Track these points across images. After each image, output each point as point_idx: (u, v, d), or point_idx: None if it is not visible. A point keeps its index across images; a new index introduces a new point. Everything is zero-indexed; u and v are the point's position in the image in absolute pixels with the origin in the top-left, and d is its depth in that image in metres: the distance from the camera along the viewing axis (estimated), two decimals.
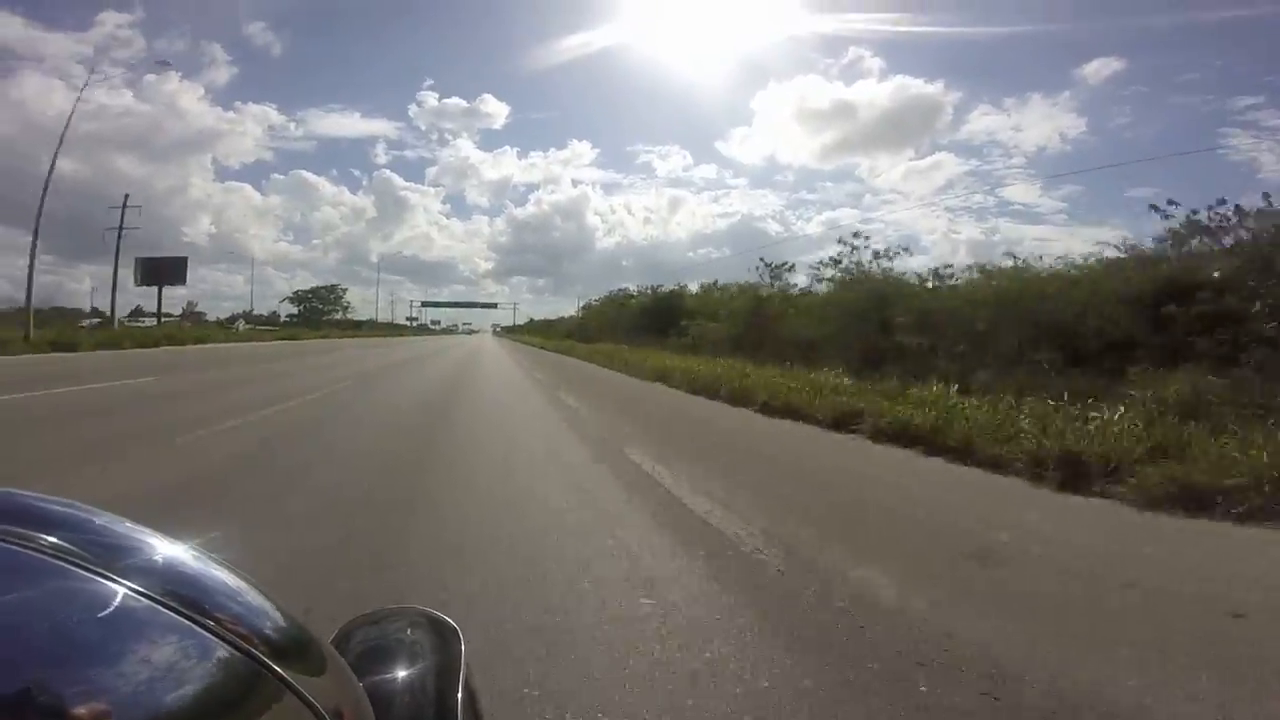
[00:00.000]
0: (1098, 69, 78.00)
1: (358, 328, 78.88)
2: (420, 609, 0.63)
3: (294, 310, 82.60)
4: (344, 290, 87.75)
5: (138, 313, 55.59)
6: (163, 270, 52.38)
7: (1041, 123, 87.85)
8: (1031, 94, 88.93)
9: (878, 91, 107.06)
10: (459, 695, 0.50)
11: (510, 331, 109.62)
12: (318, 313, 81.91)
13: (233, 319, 63.62)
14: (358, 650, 0.55)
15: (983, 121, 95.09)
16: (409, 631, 0.60)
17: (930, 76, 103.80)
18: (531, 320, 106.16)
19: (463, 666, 0.54)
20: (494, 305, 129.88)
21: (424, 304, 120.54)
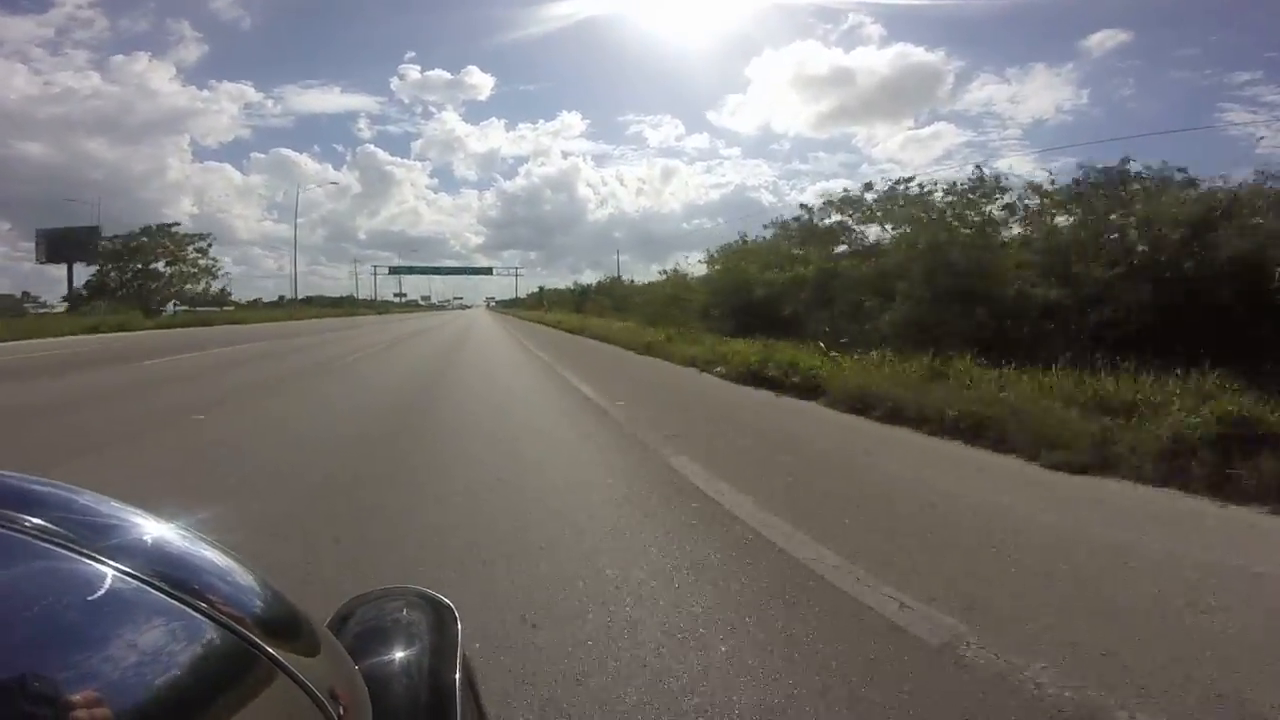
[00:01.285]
0: (1101, 40, 77.10)
1: (221, 307, 42.34)
2: (417, 589, 0.63)
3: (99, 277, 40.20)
4: (206, 241, 44.68)
5: (75, 299, 39.57)
6: (68, 244, 38.81)
7: (1043, 93, 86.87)
8: (1034, 64, 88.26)
9: (877, 59, 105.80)
10: (456, 676, 0.50)
11: (510, 306, 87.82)
12: (147, 279, 41.61)
13: (162, 301, 41.54)
14: (354, 631, 0.55)
15: (984, 91, 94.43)
16: (406, 612, 0.60)
17: (932, 44, 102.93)
18: (541, 290, 76.35)
19: (460, 647, 0.54)
20: (488, 271, 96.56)
21: (392, 270, 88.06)
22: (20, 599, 0.27)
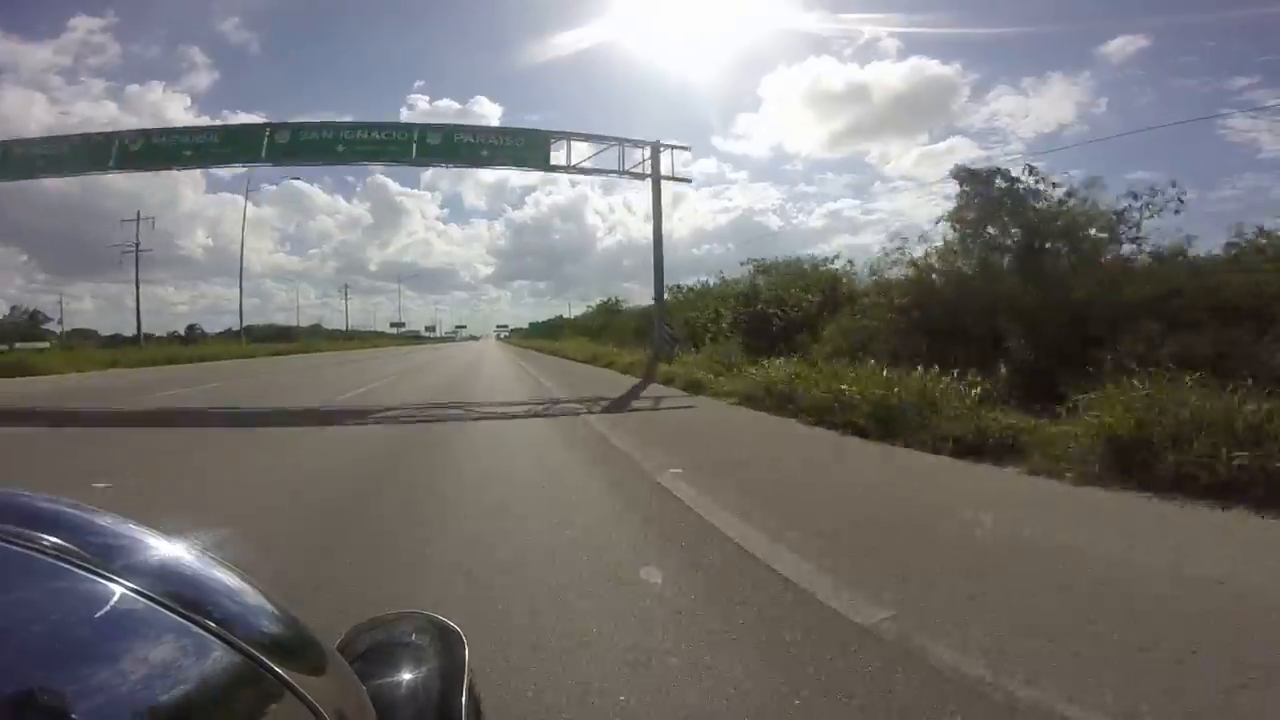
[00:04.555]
0: (1121, 46, 76.19)
1: (11, 344, 31.76)
2: (425, 614, 0.63)
3: None
4: None
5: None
6: None
7: (1060, 104, 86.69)
8: (1051, 74, 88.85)
9: (893, 73, 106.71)
10: (463, 699, 0.50)
11: (530, 337, 64.19)
12: None
13: None
14: (363, 653, 0.55)
15: (1000, 103, 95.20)
16: (414, 636, 0.60)
17: (947, 57, 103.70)
18: (598, 305, 41.31)
19: (467, 671, 0.53)
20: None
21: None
22: (35, 615, 0.28)
